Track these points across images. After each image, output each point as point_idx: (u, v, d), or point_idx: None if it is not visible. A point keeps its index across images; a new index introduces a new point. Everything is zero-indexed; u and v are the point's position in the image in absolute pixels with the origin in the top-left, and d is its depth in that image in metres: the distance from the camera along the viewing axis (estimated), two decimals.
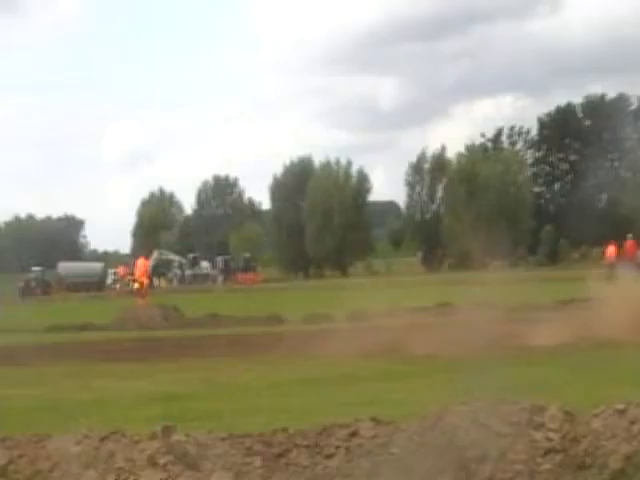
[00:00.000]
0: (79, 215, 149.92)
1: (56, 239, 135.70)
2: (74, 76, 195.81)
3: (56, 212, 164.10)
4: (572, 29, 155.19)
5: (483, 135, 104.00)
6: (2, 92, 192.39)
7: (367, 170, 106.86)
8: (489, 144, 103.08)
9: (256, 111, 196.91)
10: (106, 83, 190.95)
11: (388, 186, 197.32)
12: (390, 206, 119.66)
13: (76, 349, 22.66)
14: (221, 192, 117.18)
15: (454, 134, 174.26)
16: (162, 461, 6.80)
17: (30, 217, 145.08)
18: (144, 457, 6.88)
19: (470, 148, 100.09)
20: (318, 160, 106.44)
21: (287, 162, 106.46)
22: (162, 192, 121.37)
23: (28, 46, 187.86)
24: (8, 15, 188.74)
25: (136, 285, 42.79)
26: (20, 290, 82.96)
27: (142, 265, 42.06)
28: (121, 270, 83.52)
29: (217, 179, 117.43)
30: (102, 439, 7.11)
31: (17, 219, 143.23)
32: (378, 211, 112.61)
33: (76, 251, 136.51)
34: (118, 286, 77.68)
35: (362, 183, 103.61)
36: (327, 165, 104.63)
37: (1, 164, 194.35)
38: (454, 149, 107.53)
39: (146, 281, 42.27)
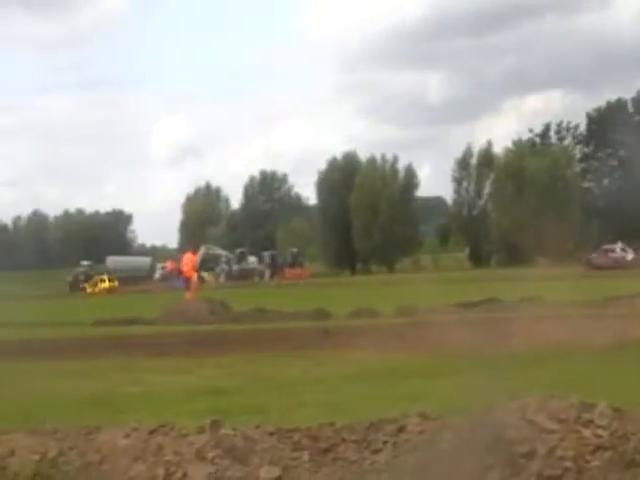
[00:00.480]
0: (127, 210, 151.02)
1: (105, 233, 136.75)
2: (124, 73, 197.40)
3: (105, 207, 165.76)
4: (622, 23, 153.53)
5: (531, 130, 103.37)
6: (54, 89, 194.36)
7: (414, 165, 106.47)
8: (537, 139, 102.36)
9: (303, 106, 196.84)
10: (155, 79, 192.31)
11: (435, 182, 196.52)
12: (437, 202, 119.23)
13: (124, 343, 22.80)
14: (268, 187, 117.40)
15: (502, 129, 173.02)
16: (210, 455, 6.84)
17: (79, 211, 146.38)
18: (192, 451, 6.92)
19: (518, 143, 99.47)
20: (364, 155, 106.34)
21: (333, 157, 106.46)
22: (209, 187, 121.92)
23: (78, 43, 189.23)
24: (58, 11, 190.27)
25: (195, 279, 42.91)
26: (69, 284, 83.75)
27: (190, 260, 42.27)
28: (169, 265, 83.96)
29: (264, 174, 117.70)
30: (151, 432, 7.17)
31: (67, 213, 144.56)
32: (425, 207, 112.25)
33: (124, 245, 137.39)
34: (169, 281, 77.97)
35: (409, 178, 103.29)
36: (373, 160, 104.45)
37: (53, 159, 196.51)
38: (502, 144, 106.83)
39: (194, 275, 42.50)
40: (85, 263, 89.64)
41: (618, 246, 69.86)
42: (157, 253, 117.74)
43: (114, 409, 11.57)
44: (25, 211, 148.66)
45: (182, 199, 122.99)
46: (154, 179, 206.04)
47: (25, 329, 30.07)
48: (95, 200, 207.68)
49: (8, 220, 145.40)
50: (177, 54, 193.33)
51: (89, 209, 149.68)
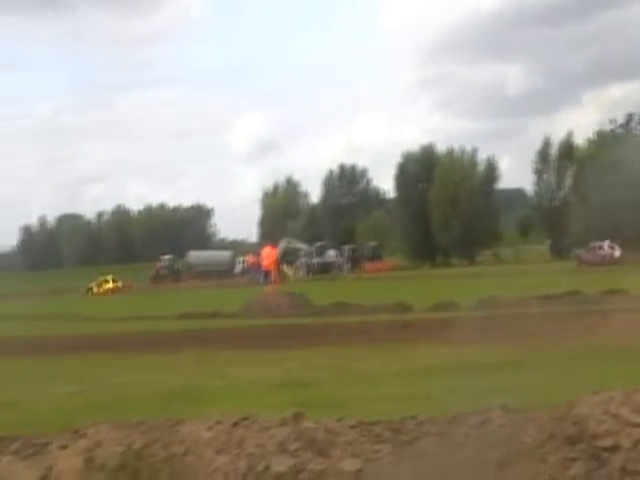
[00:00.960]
0: (208, 204, 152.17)
1: (186, 228, 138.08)
2: (205, 70, 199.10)
3: (186, 201, 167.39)
4: None
5: (613, 121, 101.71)
6: (137, 86, 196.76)
7: (495, 158, 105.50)
8: (619, 130, 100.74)
9: (382, 100, 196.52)
10: (235, 75, 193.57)
11: (515, 173, 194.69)
12: (518, 194, 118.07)
13: (206, 336, 23.02)
14: (348, 181, 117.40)
15: (582, 120, 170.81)
16: (292, 447, 6.87)
17: (161, 206, 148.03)
18: (274, 443, 6.95)
19: (599, 134, 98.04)
20: (442, 148, 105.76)
21: (411, 150, 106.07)
22: (288, 181, 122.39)
23: (160, 41, 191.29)
24: (141, 9, 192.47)
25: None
26: (151, 278, 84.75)
27: (271, 253, 42.52)
28: (250, 258, 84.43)
29: (343, 168, 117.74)
30: (234, 425, 7.22)
31: (149, 208, 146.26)
32: (505, 199, 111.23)
33: (205, 240, 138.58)
34: (250, 274, 78.34)
35: (489, 171, 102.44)
36: (452, 153, 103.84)
37: (137, 155, 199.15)
38: (582, 135, 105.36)
39: (274, 269, 42.73)
40: (167, 257, 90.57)
41: (606, 243, 70.28)
42: (237, 247, 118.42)
43: (197, 402, 11.69)
44: (108, 206, 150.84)
45: (262, 193, 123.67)
46: (234, 174, 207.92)
47: (109, 323, 30.55)
48: (177, 195, 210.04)
49: (92, 215, 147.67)
50: (257, 51, 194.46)
51: (171, 204, 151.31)
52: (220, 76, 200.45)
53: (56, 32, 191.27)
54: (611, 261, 64.38)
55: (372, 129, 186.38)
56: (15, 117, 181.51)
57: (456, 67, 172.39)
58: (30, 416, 11.55)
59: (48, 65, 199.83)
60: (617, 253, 68.18)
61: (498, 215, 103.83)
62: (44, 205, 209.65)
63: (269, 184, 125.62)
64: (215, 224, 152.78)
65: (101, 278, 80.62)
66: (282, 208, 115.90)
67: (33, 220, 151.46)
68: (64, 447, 7.51)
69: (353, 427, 7.06)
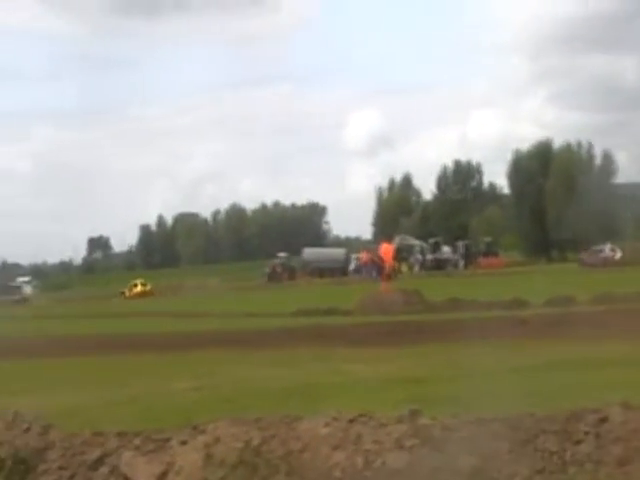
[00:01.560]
0: (322, 202, 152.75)
1: (300, 225, 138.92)
2: (319, 67, 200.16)
3: (300, 199, 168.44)
4: None
5: None
6: (251, 84, 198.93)
7: (612, 152, 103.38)
8: None
9: (496, 95, 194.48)
10: (350, 72, 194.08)
11: (635, 168, 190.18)
12: (636, 188, 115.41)
13: (322, 333, 23.14)
14: (462, 176, 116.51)
15: None
16: (409, 444, 6.87)
17: (276, 204, 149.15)
18: (391, 439, 6.96)
19: None
20: (558, 142, 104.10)
21: (526, 145, 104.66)
22: (403, 177, 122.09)
23: (273, 38, 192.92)
24: (254, 8, 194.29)
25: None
26: (267, 275, 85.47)
27: (389, 250, 42.43)
28: (363, 256, 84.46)
29: (458, 164, 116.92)
30: (350, 421, 7.25)
31: (263, 206, 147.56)
32: (623, 193, 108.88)
33: (319, 237, 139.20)
34: (364, 272, 78.41)
35: (607, 165, 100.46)
36: (568, 147, 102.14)
37: (251, 153, 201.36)
38: None
39: (389, 266, 42.70)
40: (282, 255, 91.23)
41: (607, 247, 73.33)
42: (351, 244, 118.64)
43: (314, 398, 11.76)
44: (224, 205, 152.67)
45: (375, 190, 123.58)
46: (348, 171, 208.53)
47: (225, 320, 30.96)
48: (291, 193, 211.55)
49: (208, 214, 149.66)
50: (371, 48, 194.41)
51: (285, 202, 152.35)
52: (335, 73, 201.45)
53: (174, 32, 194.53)
54: (612, 263, 65.66)
55: (486, 124, 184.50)
56: (135, 117, 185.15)
57: (571, 60, 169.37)
58: (150, 411, 11.79)
59: (165, 65, 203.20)
60: (618, 255, 71.41)
61: (616, 210, 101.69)
62: (162, 204, 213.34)
63: (384, 180, 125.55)
64: (329, 221, 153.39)
65: (132, 282, 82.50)
66: (396, 205, 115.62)
67: (151, 219, 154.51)
68: (184, 443, 7.64)
69: (470, 423, 7.02)
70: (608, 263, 65.15)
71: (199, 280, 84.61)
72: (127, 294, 78.10)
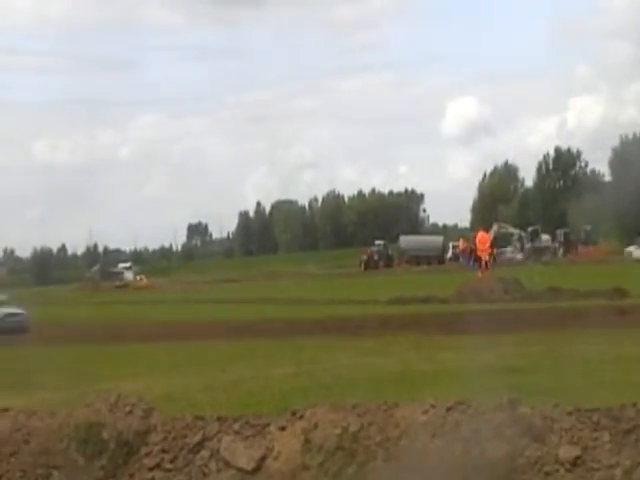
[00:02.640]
0: (419, 189, 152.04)
1: (397, 213, 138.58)
2: (418, 53, 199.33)
3: (398, 186, 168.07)
4: None
5: None
6: (351, 71, 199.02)
7: None
8: None
9: (598, 81, 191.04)
10: (449, 59, 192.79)
11: None
12: None
13: (419, 321, 23.10)
14: (562, 164, 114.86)
15: None
16: (508, 433, 6.82)
17: (373, 192, 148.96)
18: (490, 428, 6.92)
19: None
20: None
21: (628, 132, 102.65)
22: (503, 165, 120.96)
23: (373, 25, 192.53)
24: None
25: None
26: (363, 263, 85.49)
27: (483, 238, 42.15)
28: (461, 244, 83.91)
29: (558, 151, 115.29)
30: (448, 409, 7.23)
31: (361, 194, 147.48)
32: None
33: (416, 225, 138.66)
34: (461, 260, 78.03)
35: None
36: None
37: (350, 141, 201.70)
38: None
39: (486, 254, 42.37)
40: (379, 242, 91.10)
41: None
42: (448, 232, 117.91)
43: (411, 385, 11.78)
44: (321, 192, 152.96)
45: (474, 178, 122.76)
46: (446, 158, 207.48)
47: (321, 307, 31.09)
48: (388, 180, 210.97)
49: (305, 201, 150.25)
50: (469, 34, 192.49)
51: (382, 189, 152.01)
52: (433, 60, 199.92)
53: (275, 20, 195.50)
54: None
55: (587, 110, 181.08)
56: (235, 105, 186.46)
57: None
58: (249, 397, 11.93)
59: (266, 52, 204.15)
60: None
61: None
62: (260, 191, 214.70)
63: (483, 168, 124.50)
64: (426, 209, 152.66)
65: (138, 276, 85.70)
66: (495, 192, 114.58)
67: (250, 206, 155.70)
68: (283, 428, 7.71)
69: (570, 414, 6.94)
70: None
71: (296, 267, 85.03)
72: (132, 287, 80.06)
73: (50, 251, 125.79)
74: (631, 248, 74.62)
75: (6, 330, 27.86)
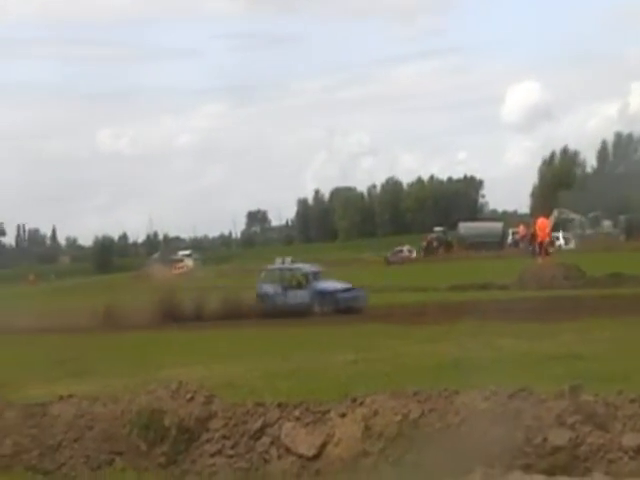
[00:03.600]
0: (479, 175, 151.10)
1: (456, 199, 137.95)
2: (477, 39, 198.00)
3: (457, 173, 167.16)
4: None
5: None
6: (407, 58, 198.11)
7: None
8: None
9: None
10: (508, 45, 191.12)
11: None
12: None
13: (479, 308, 22.96)
14: (623, 149, 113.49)
15: None
16: (570, 420, 6.78)
17: (432, 178, 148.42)
18: (552, 416, 6.88)
19: None
20: None
21: None
22: (564, 150, 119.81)
23: (429, 12, 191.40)
24: None
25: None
26: (422, 249, 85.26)
27: (543, 224, 41.78)
28: (521, 230, 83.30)
29: (619, 136, 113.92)
30: (510, 396, 7.19)
31: (420, 180, 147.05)
32: None
33: (476, 211, 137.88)
34: (521, 246, 77.46)
35: None
36: None
37: (408, 126, 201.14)
38: None
39: (547, 240, 42.00)
40: (438, 229, 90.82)
41: None
42: (508, 218, 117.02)
43: (470, 372, 11.70)
44: (380, 179, 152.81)
45: (533, 163, 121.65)
46: (506, 144, 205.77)
47: (382, 294, 31.04)
48: (447, 166, 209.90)
49: (364, 188, 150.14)
50: (533, 19, 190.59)
51: (441, 176, 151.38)
52: (494, 45, 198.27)
53: (336, 7, 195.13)
54: None
55: None
56: (295, 92, 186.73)
57: None
58: (309, 383, 11.95)
59: (328, 39, 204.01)
60: None
61: None
62: (319, 179, 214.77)
63: (543, 154, 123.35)
64: (485, 195, 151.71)
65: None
66: (556, 178, 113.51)
67: (309, 193, 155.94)
68: (343, 415, 7.73)
69: (634, 401, 6.88)
70: None
71: (355, 254, 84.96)
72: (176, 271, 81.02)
73: (111, 239, 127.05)
74: None
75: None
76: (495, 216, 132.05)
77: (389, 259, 75.05)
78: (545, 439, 6.74)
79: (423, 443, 7.17)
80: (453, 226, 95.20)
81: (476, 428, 7.10)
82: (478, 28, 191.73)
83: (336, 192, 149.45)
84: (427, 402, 7.46)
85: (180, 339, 20.92)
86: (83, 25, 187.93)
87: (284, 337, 19.77)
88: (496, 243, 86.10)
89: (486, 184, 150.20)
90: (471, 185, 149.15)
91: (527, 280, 31.42)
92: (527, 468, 6.62)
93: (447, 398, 7.47)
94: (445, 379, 10.43)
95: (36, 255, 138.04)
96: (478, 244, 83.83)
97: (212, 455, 7.95)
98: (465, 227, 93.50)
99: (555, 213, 78.99)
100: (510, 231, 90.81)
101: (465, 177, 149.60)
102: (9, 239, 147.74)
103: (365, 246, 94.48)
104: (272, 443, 7.81)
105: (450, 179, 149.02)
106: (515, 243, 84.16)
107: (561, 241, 79.99)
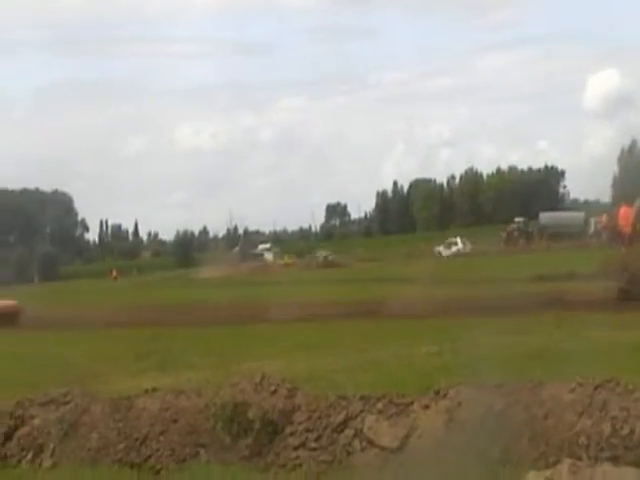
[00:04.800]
0: (559, 165, 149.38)
1: (537, 190, 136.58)
2: (558, 28, 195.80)
3: (537, 163, 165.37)
4: None
5: None
6: (488, 48, 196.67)
7: None
8: None
9: None
10: (591, 32, 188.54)
11: None
12: None
13: (562, 298, 22.69)
14: None
15: None
16: None
17: (512, 169, 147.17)
18: (639, 407, 6.78)
19: None
20: None
21: None
22: None
23: (510, 1, 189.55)
24: None
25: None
26: (503, 240, 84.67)
27: (628, 213, 41.12)
28: (603, 219, 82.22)
29: None
30: (596, 388, 7.10)
31: (499, 171, 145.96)
32: None
33: (557, 201, 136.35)
34: (604, 236, 76.39)
35: None
36: None
37: (487, 117, 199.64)
38: None
39: (629, 230, 41.33)
40: (519, 219, 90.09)
41: None
42: (590, 208, 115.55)
43: (555, 364, 11.58)
44: (459, 170, 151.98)
45: (615, 152, 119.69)
46: (587, 133, 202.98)
47: (466, 285, 30.88)
48: (527, 156, 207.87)
49: (443, 179, 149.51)
50: (608, 6, 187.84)
51: (521, 166, 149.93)
52: (573, 33, 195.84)
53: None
54: None
55: None
56: (374, 85, 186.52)
57: None
58: (392, 376, 11.93)
59: (406, 31, 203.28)
60: None
61: None
62: (398, 170, 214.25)
63: (625, 142, 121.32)
64: (566, 185, 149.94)
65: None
66: (639, 166, 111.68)
67: (388, 185, 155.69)
68: (426, 407, 7.70)
69: None
70: None
71: (435, 246, 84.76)
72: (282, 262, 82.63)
73: (192, 234, 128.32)
74: None
75: None
76: (576, 206, 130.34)
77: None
78: (632, 431, 6.64)
79: (508, 435, 7.10)
80: (534, 216, 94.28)
81: (562, 420, 7.02)
82: (556, 17, 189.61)
83: (415, 184, 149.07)
84: (511, 394, 7.40)
85: (261, 331, 21.02)
86: (159, 22, 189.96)
87: (365, 330, 19.76)
88: (578, 233, 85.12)
89: (567, 173, 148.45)
90: (552, 175, 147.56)
91: (611, 270, 30.92)
92: (615, 460, 6.52)
93: (532, 390, 7.39)
94: (529, 370, 10.33)
95: (118, 250, 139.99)
96: (559, 234, 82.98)
97: (295, 448, 7.97)
98: (546, 217, 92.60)
99: (638, 202, 77.74)
100: (592, 221, 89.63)
101: (546, 167, 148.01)
102: (92, 235, 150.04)
103: (444, 237, 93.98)
104: (355, 436, 7.81)
105: (530, 169, 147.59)
106: (597, 233, 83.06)
107: None
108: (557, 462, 6.32)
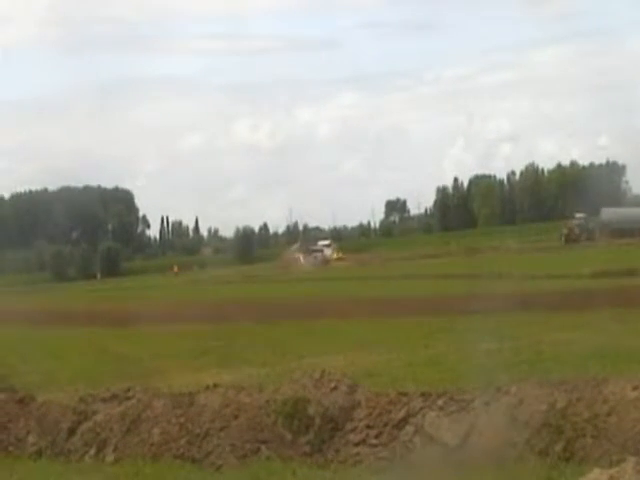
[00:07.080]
0: (621, 160, 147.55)
1: (598, 185, 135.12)
2: (616, 21, 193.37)
3: (599, 158, 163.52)
4: None
5: None
6: (548, 42, 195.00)
7: None
8: None
9: None
10: None
11: None
12: None
13: (624, 295, 22.43)
14: None
15: None
16: None
17: (573, 164, 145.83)
18: None
19: None
20: None
21: None
22: None
23: None
24: None
25: None
26: (564, 236, 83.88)
27: None
28: None
29: None
30: None
31: (560, 166, 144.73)
32: None
33: (618, 197, 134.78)
34: None
35: None
36: None
37: (549, 113, 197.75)
38: None
39: None
40: (580, 215, 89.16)
41: None
42: None
43: (618, 361, 11.45)
44: (519, 166, 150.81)
45: None
46: None
47: (526, 282, 30.65)
48: (588, 151, 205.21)
49: (503, 175, 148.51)
50: None
51: (582, 161, 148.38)
52: (634, 26, 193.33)
53: None
54: None
55: None
56: (433, 80, 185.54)
57: None
58: (452, 372, 11.87)
59: (465, 26, 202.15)
60: None
61: None
62: (458, 166, 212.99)
63: None
64: (628, 180, 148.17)
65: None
66: None
67: (448, 181, 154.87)
68: (487, 404, 7.65)
69: None
70: None
71: (495, 242, 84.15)
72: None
73: (252, 230, 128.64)
74: None
75: None
76: (639, 202, 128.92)
77: None
78: None
79: (570, 433, 7.04)
80: (595, 212, 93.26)
81: (625, 417, 6.94)
82: (618, 9, 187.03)
83: (475, 180, 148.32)
84: (574, 391, 7.33)
85: (321, 328, 21.04)
86: (219, 20, 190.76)
87: (424, 326, 19.69)
88: None
89: (629, 168, 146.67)
90: (613, 170, 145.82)
91: None
92: None
93: (595, 387, 7.32)
94: (592, 367, 10.23)
95: (179, 246, 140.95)
96: (622, 230, 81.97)
97: (356, 444, 7.97)
98: (608, 213, 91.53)
99: None
100: None
101: (607, 162, 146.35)
102: (153, 231, 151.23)
103: (505, 234, 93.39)
104: (416, 432, 7.79)
105: (592, 164, 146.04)
106: None
107: None
108: (621, 460, 6.25)
